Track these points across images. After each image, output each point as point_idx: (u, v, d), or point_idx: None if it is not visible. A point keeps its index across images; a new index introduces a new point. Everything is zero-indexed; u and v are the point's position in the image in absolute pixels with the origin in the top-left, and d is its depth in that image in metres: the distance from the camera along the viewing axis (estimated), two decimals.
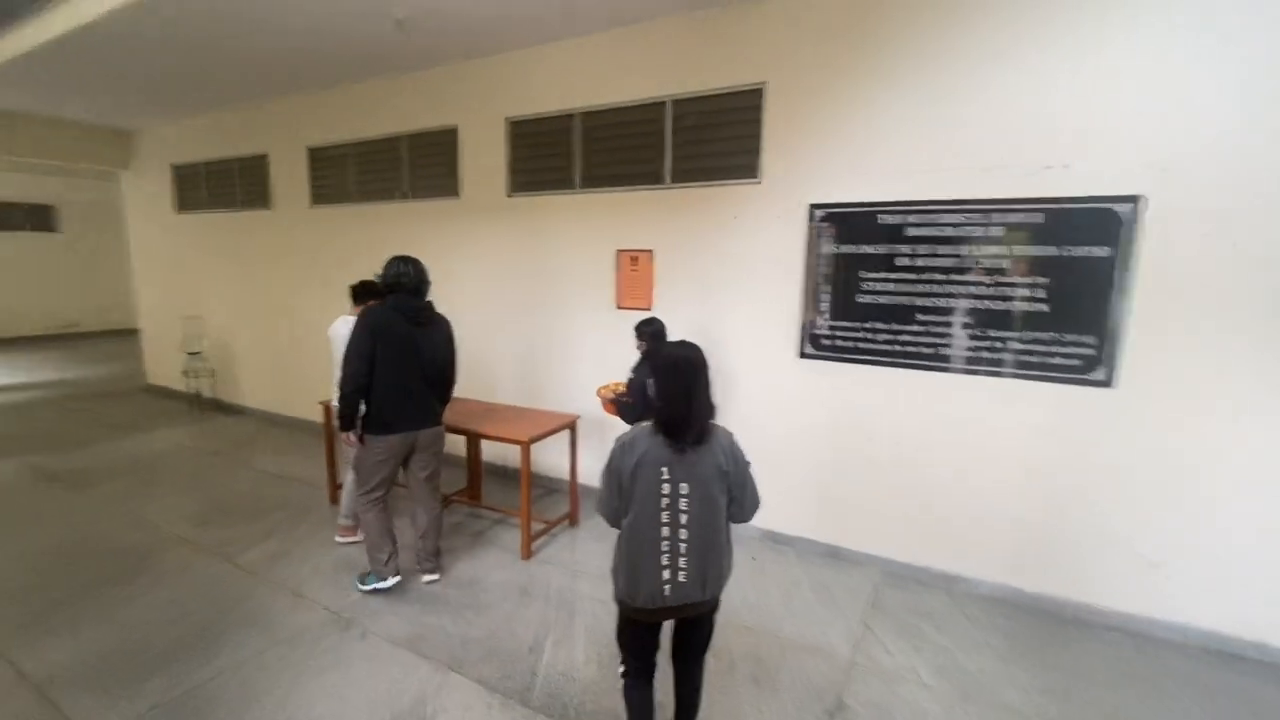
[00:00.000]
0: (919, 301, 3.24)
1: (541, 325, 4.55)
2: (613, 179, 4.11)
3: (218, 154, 6.52)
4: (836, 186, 3.37)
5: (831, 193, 3.39)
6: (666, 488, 1.80)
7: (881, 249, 3.29)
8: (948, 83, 3.05)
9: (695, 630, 2.01)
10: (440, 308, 3.23)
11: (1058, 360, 2.97)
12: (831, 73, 3.31)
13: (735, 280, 3.75)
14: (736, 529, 1.97)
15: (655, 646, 2.01)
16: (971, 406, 3.18)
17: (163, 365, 7.69)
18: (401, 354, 2.99)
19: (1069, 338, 2.94)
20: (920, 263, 3.21)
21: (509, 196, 4.55)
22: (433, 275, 3.15)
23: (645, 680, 2.03)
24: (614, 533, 1.94)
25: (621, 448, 1.86)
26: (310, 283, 5.94)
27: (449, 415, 3.45)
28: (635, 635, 1.98)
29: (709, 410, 1.86)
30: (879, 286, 3.33)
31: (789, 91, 3.44)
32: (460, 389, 3.54)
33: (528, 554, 3.57)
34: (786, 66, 3.43)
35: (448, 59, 4.56)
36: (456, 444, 4.05)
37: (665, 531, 1.81)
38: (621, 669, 2.03)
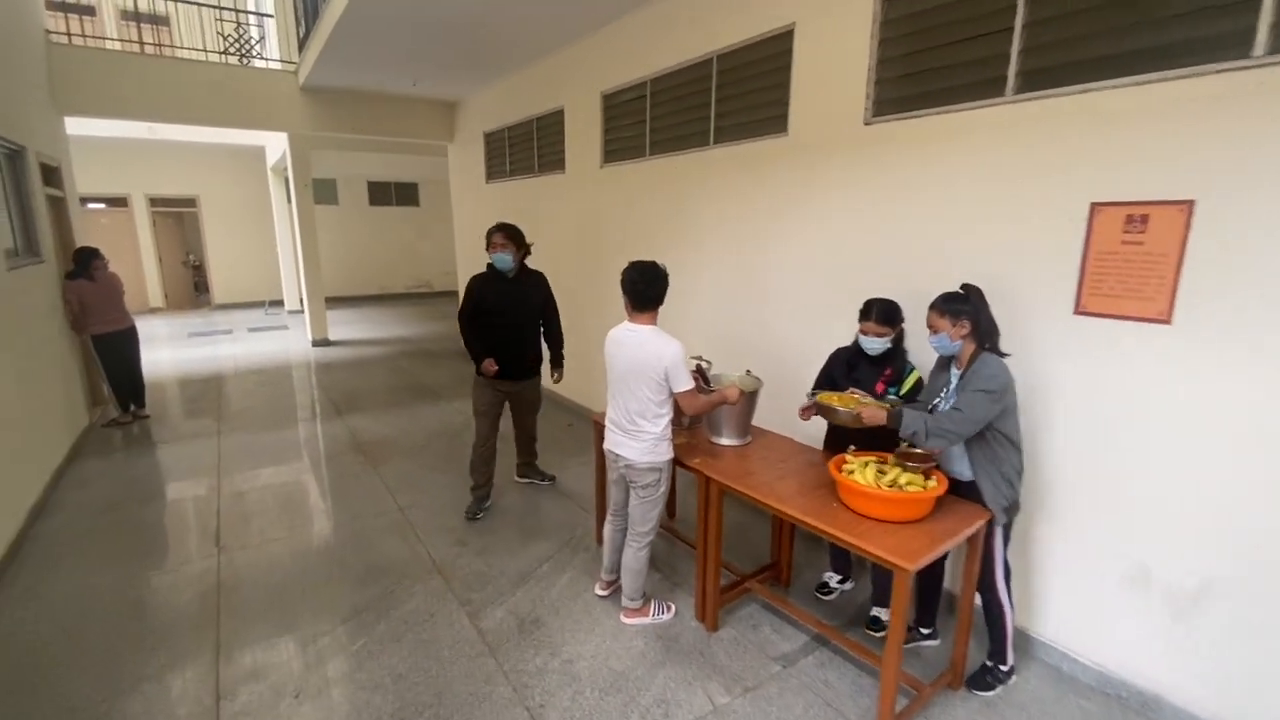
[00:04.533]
0: None
1: (916, 340, 2.62)
2: (1095, 66, 2.16)
3: (520, 115, 6.15)
4: None
5: None
6: None
7: None
8: None
9: None
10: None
11: None
12: None
13: None
14: None
15: None
16: None
17: None
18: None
19: None
20: None
21: (869, 123, 2.90)
22: (741, 243, 3.55)
23: None
24: None
25: (1008, 372, 2.12)
26: (592, 257, 5.17)
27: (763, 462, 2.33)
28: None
29: None
30: None
31: None
32: (777, 425, 2.84)
33: None
34: None
35: None
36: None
37: None
38: None
